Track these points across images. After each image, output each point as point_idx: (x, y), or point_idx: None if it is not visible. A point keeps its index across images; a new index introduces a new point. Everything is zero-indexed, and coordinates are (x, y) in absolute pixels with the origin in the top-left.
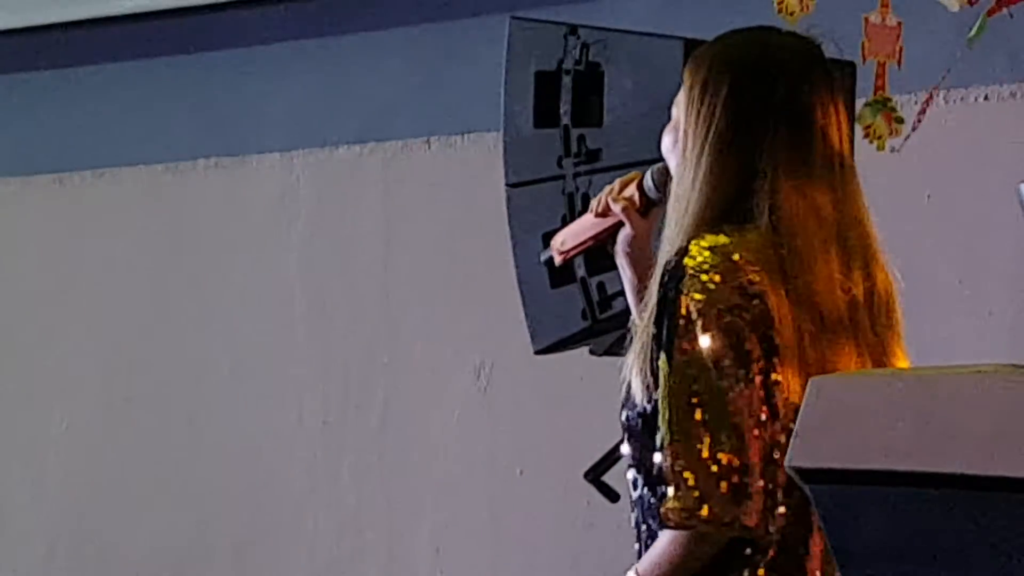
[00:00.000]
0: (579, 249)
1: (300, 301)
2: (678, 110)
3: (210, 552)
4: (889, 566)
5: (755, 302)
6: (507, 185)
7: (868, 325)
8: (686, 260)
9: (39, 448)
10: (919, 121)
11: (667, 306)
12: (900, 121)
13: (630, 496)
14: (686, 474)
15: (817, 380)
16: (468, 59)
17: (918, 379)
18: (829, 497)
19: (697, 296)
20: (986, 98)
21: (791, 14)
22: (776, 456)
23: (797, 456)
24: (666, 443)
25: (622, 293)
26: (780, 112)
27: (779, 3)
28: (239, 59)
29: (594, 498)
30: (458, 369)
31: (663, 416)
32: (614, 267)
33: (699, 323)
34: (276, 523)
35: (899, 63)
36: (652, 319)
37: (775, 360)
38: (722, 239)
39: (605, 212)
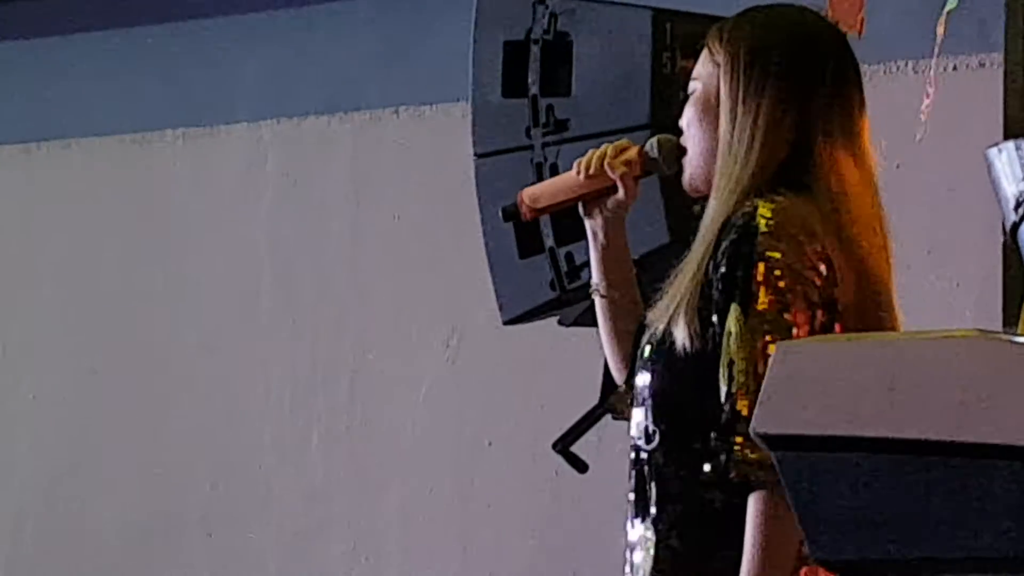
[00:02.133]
0: (554, 208)
1: (268, 272)
2: (706, 82)
3: (178, 524)
4: (855, 533)
5: (823, 267)
6: (475, 155)
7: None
8: (757, 219)
9: (6, 420)
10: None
11: (739, 259)
12: None
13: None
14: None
15: (783, 345)
16: (436, 29)
17: (885, 344)
18: (794, 463)
19: (774, 254)
20: (955, 68)
21: None
22: None
23: (762, 422)
24: (738, 393)
25: (589, 263)
26: (831, 84)
27: None
28: (207, 29)
29: (563, 468)
30: (426, 340)
31: (736, 367)
32: (583, 237)
33: (776, 284)
34: (244, 494)
35: (860, 33)
36: (707, 272)
37: (837, 324)
38: (787, 202)
39: (596, 174)
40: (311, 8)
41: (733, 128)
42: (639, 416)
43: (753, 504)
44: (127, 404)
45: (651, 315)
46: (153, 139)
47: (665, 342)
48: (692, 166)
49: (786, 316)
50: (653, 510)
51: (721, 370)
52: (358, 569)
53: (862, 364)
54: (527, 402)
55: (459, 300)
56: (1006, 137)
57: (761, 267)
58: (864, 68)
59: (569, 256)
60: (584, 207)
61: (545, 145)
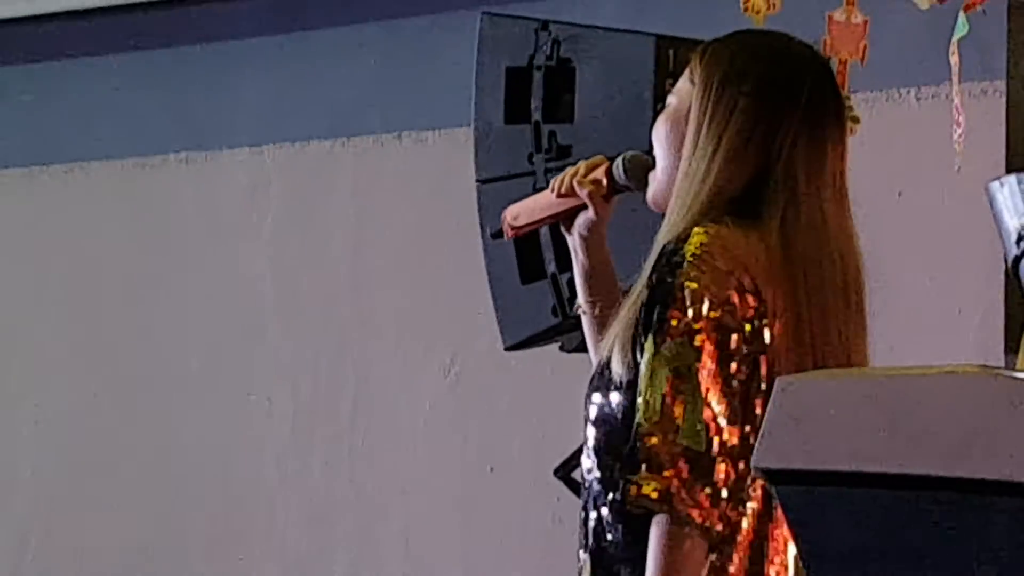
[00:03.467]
0: (532, 227)
1: (270, 296)
2: (679, 99)
3: (181, 545)
4: (857, 568)
5: (749, 298)
6: (478, 181)
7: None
8: (686, 246)
9: (10, 443)
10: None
11: (660, 288)
12: (856, 120)
13: (583, 485)
14: (660, 458)
15: (783, 380)
16: (439, 54)
17: (886, 379)
18: (796, 498)
19: (691, 284)
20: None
21: (757, 12)
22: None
23: (763, 457)
24: (643, 426)
25: None
26: (803, 116)
27: (745, 2)
28: (210, 54)
29: (564, 494)
30: (428, 364)
31: (642, 398)
32: None
33: (690, 311)
34: (246, 517)
35: (863, 61)
36: (641, 299)
37: (762, 359)
38: (725, 231)
39: (568, 193)
40: (313, 33)
41: (694, 153)
42: (586, 444)
43: (654, 531)
44: (129, 427)
45: (602, 341)
46: (155, 163)
47: (605, 371)
48: (655, 182)
49: (694, 345)
50: (590, 539)
51: (637, 401)
52: None
53: (863, 399)
54: (528, 428)
55: (461, 325)
56: (1008, 164)
57: (677, 297)
58: (865, 95)
59: (571, 282)
60: (562, 225)
61: (548, 171)
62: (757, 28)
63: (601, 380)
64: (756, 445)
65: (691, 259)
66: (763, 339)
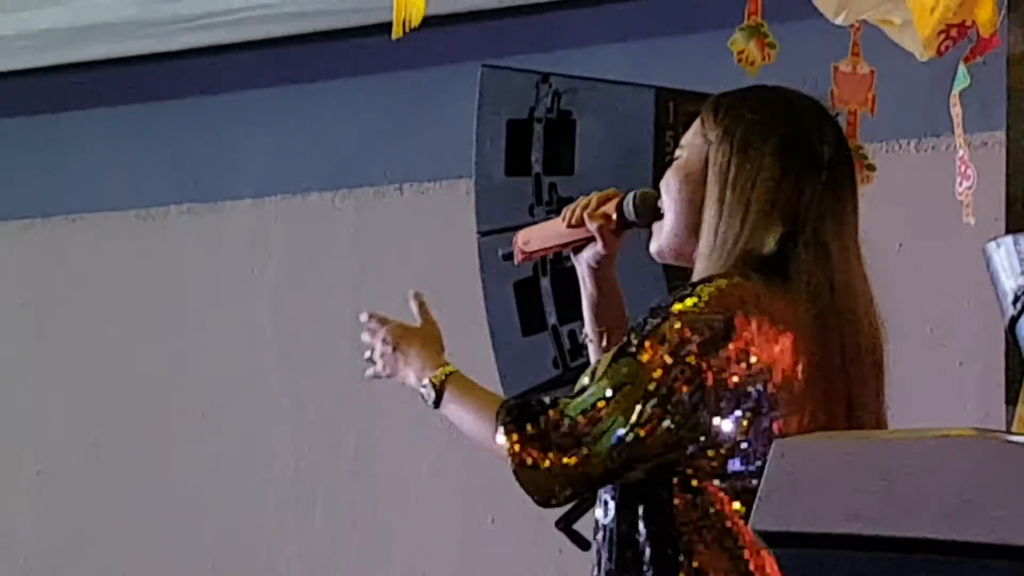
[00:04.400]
0: (543, 253)
1: (272, 347)
2: (690, 152)
3: None
4: None
5: (749, 355)
6: (479, 233)
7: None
8: (700, 286)
9: (10, 495)
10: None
11: (654, 313)
12: (872, 168)
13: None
14: (549, 441)
15: (781, 442)
16: (440, 106)
17: (882, 442)
18: (795, 561)
19: (677, 321)
20: (965, 148)
21: (752, 64)
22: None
23: (762, 519)
24: (563, 409)
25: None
26: (826, 177)
27: (739, 53)
28: (212, 106)
29: (566, 546)
30: (430, 416)
31: (578, 391)
32: None
33: (663, 347)
34: (248, 566)
35: (872, 111)
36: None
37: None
38: (746, 283)
39: (578, 224)
40: (315, 85)
41: (722, 211)
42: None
43: (498, 438)
44: (130, 479)
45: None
46: (157, 215)
47: None
48: (663, 234)
49: (648, 378)
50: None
51: (579, 380)
52: None
53: (860, 462)
54: None
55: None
56: (1008, 216)
57: (663, 328)
58: (866, 147)
59: (572, 334)
60: (572, 254)
61: None
62: (765, 84)
63: None
64: (754, 507)
65: (692, 296)
66: (764, 395)
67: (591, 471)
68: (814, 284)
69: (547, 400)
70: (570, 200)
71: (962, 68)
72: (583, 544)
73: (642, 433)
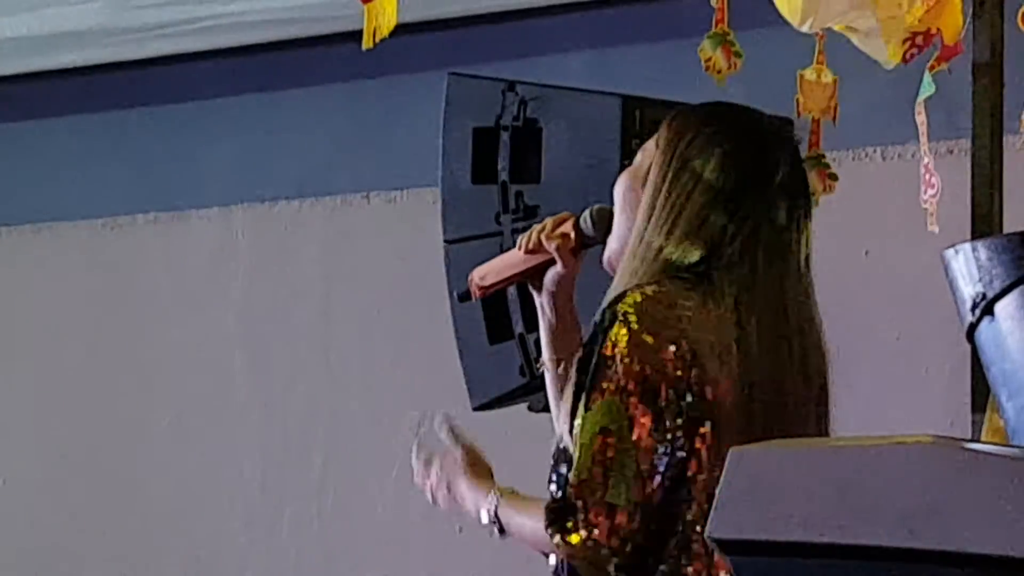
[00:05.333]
0: (500, 285)
1: (239, 356)
2: (643, 158)
3: None
4: None
5: (684, 355)
6: (445, 241)
7: (811, 415)
8: (620, 305)
9: None
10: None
11: (592, 348)
12: (834, 178)
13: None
14: (582, 514)
15: (737, 450)
16: (406, 115)
17: (838, 450)
18: (750, 568)
19: (620, 343)
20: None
21: (719, 72)
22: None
23: (717, 527)
24: (573, 483)
25: None
26: (770, 202)
27: (706, 62)
28: (178, 114)
29: (533, 556)
30: (397, 423)
31: (576, 455)
32: None
33: (618, 369)
34: (216, 575)
35: (834, 119)
36: (579, 362)
37: (703, 412)
38: (662, 292)
39: (536, 249)
40: (281, 93)
41: (648, 222)
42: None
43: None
44: (98, 488)
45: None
46: (124, 223)
47: (561, 444)
48: (610, 241)
49: (627, 406)
50: None
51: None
52: None
53: (815, 469)
54: None
55: (429, 385)
56: (973, 222)
57: (607, 356)
58: (832, 154)
59: (538, 342)
60: (530, 282)
61: (515, 231)
62: (734, 103)
63: (560, 454)
64: (710, 515)
65: (622, 318)
66: (705, 398)
67: (627, 519)
68: (740, 302)
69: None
70: (536, 208)
71: (927, 76)
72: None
73: (649, 450)
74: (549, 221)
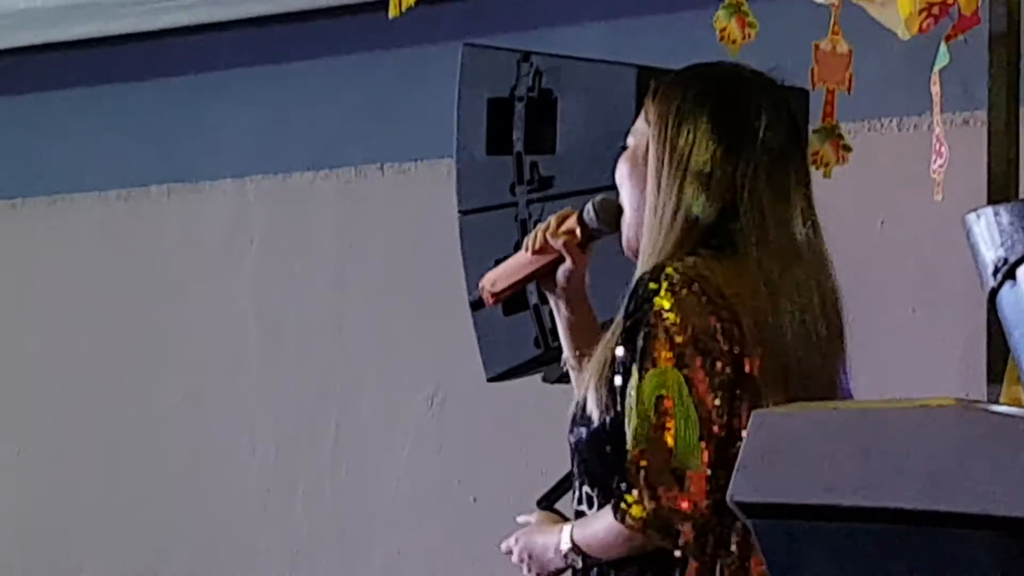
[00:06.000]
0: (512, 289)
1: (253, 328)
2: (637, 139)
3: None
4: None
5: (728, 325)
6: (460, 212)
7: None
8: (662, 278)
9: None
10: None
11: (639, 319)
12: (848, 149)
13: (576, 517)
14: (651, 485)
15: (759, 413)
16: (421, 86)
17: (861, 413)
18: (772, 532)
19: (670, 315)
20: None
21: (733, 42)
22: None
23: (739, 490)
24: (634, 453)
25: None
26: (761, 145)
27: (721, 32)
28: (192, 86)
29: None
30: (411, 396)
31: (633, 425)
32: None
33: (672, 339)
34: (228, 552)
35: (849, 90)
36: (619, 336)
37: (743, 385)
38: (700, 262)
39: (542, 249)
40: (296, 65)
41: (659, 192)
42: (576, 478)
43: (613, 531)
44: (112, 460)
45: (575, 377)
46: (138, 195)
47: (584, 410)
48: (626, 226)
49: (684, 373)
50: (593, 571)
51: (626, 430)
52: None
53: (838, 432)
54: (511, 459)
55: (443, 357)
56: (990, 194)
57: (658, 326)
58: (847, 125)
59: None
60: (541, 283)
61: (530, 202)
62: (708, 62)
63: (581, 422)
64: (732, 478)
65: (667, 289)
66: (743, 368)
67: (699, 484)
68: (759, 251)
69: (624, 481)
70: (551, 179)
71: (943, 47)
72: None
73: (709, 414)
74: (552, 219)
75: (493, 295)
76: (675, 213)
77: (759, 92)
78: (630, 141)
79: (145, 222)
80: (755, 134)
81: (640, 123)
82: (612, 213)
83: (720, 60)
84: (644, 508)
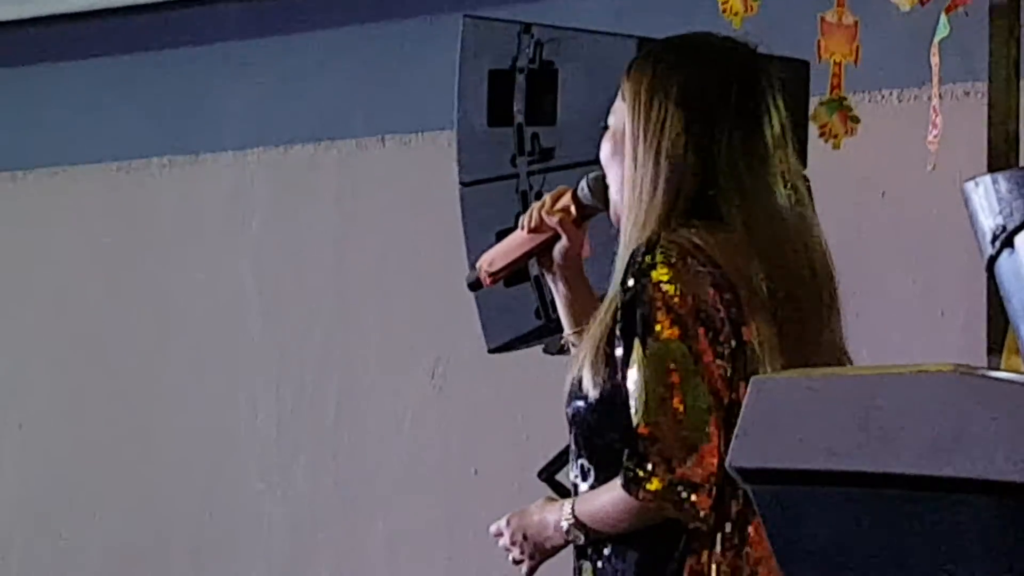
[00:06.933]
0: (509, 269)
1: (254, 299)
2: (616, 118)
3: (166, 551)
4: (830, 566)
5: (725, 294)
6: (461, 184)
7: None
8: (656, 251)
9: None
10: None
11: (637, 295)
12: (856, 120)
13: (574, 490)
14: (665, 458)
15: (757, 379)
16: (422, 57)
17: (860, 378)
18: (770, 498)
19: (668, 287)
20: (940, 97)
21: (735, 14)
22: None
23: (738, 456)
24: (644, 427)
25: None
26: (733, 114)
27: (723, 4)
28: (193, 57)
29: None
30: (412, 367)
31: (639, 399)
32: None
33: (673, 310)
34: (230, 522)
35: (856, 61)
36: (615, 310)
37: (743, 354)
38: (692, 233)
39: (538, 227)
40: (297, 36)
41: (636, 166)
42: (573, 451)
43: (621, 504)
44: (114, 432)
45: (573, 352)
46: (139, 167)
47: (581, 383)
48: (613, 203)
49: (688, 344)
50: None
51: (631, 403)
52: None
53: (837, 398)
54: (512, 430)
55: (445, 328)
56: (990, 165)
57: (658, 299)
58: (849, 97)
59: None
60: (538, 261)
61: (530, 174)
62: (679, 34)
63: (577, 395)
64: (731, 444)
65: (663, 260)
66: (742, 337)
67: (711, 454)
68: (742, 218)
69: (626, 447)
70: (552, 151)
71: (943, 18)
72: (565, 494)
73: (715, 383)
74: (548, 197)
75: (490, 275)
76: (654, 187)
77: (729, 59)
78: (611, 121)
79: (146, 194)
80: (727, 101)
81: (618, 102)
82: (606, 189)
83: (697, 31)
84: (661, 480)
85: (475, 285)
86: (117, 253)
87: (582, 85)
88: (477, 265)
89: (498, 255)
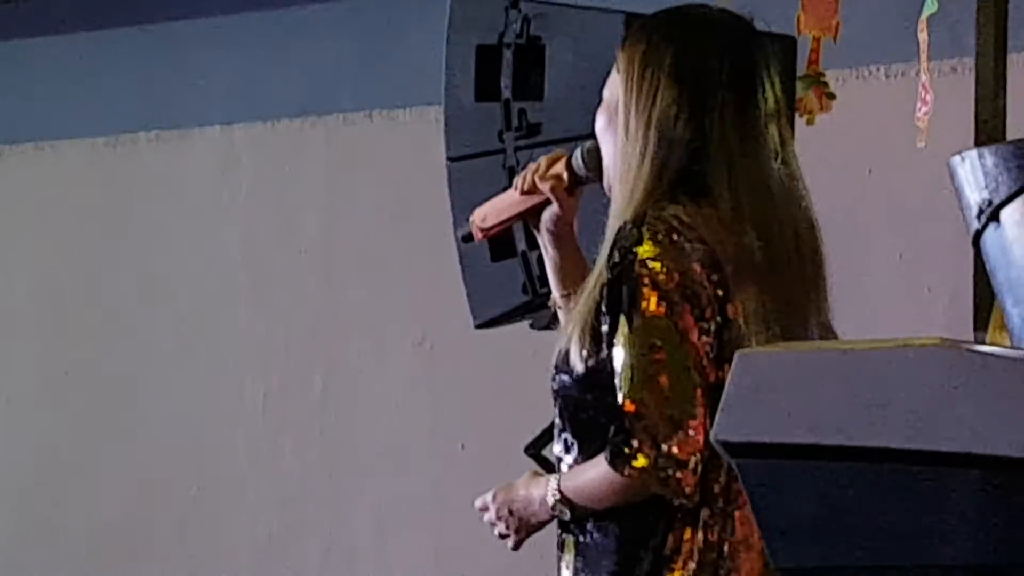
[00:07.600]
0: (501, 227)
1: (241, 274)
2: (611, 90)
3: (152, 525)
4: (816, 540)
5: (711, 271)
6: (448, 159)
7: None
8: (643, 227)
9: None
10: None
11: (622, 268)
12: (832, 97)
13: (558, 464)
14: (651, 434)
15: (742, 353)
16: (409, 33)
17: (845, 352)
18: (755, 471)
19: (654, 263)
20: (929, 73)
21: None
22: None
23: (723, 430)
24: (630, 403)
25: None
26: (726, 87)
27: None
28: (180, 32)
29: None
30: (399, 343)
31: (624, 375)
32: None
33: (659, 286)
34: (217, 497)
35: (835, 38)
36: (603, 286)
37: (729, 330)
38: (679, 209)
39: (531, 190)
40: (284, 11)
41: (627, 137)
42: (557, 425)
43: (606, 479)
44: (100, 407)
45: (560, 327)
46: (126, 142)
47: (567, 358)
48: (607, 175)
49: (674, 321)
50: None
51: (616, 380)
52: (332, 571)
53: (822, 372)
54: (499, 405)
55: (431, 304)
56: (977, 141)
57: (644, 275)
58: (835, 73)
59: (541, 260)
60: (530, 222)
61: (517, 149)
62: (676, 6)
63: (563, 370)
64: (716, 418)
65: (649, 236)
66: (727, 313)
67: (697, 430)
68: (732, 190)
69: (611, 423)
70: (539, 126)
71: None
72: (551, 469)
73: (700, 360)
74: (543, 160)
75: (482, 231)
76: (644, 159)
77: (724, 32)
78: (605, 93)
79: (133, 169)
80: (719, 74)
81: (613, 73)
82: (601, 160)
83: (692, 3)
84: (647, 457)
85: (468, 238)
86: (104, 228)
87: (569, 60)
88: (470, 219)
89: (491, 212)
